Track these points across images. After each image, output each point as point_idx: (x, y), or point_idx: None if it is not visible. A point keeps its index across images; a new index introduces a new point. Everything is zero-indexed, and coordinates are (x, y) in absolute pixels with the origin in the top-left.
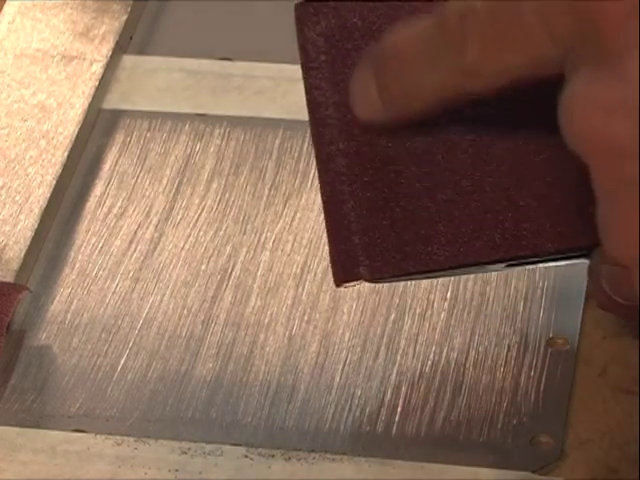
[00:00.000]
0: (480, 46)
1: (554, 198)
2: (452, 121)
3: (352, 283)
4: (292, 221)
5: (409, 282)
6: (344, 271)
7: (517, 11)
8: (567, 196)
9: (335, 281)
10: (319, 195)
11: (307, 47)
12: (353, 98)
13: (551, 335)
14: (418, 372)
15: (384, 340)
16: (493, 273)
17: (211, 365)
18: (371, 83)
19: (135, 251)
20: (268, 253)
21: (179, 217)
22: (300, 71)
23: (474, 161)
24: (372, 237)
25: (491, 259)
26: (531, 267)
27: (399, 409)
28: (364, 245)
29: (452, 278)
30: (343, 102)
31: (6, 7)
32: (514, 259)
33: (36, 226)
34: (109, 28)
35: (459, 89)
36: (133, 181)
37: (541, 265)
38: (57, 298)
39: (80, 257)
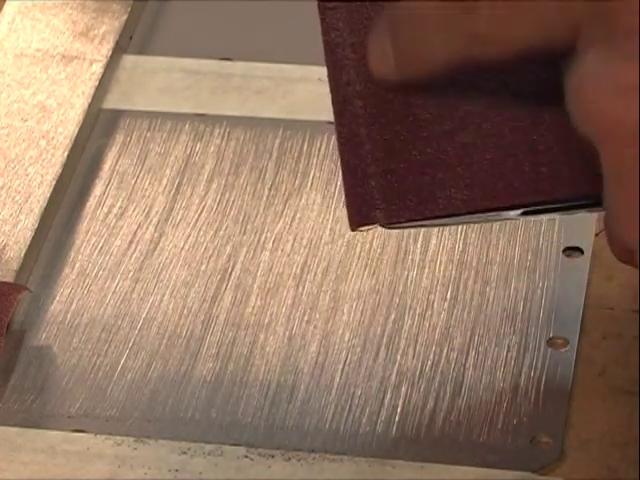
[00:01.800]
0: (491, 12)
1: (573, 143)
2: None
3: (367, 227)
4: (292, 221)
5: (409, 282)
6: (359, 215)
7: None
8: (586, 142)
9: (350, 225)
10: (319, 195)
11: None
12: (369, 53)
13: (551, 335)
14: (418, 372)
15: (384, 340)
16: (493, 273)
17: (211, 365)
18: (386, 41)
19: (135, 251)
20: (268, 253)
21: (179, 217)
22: (300, 70)
23: (494, 104)
24: (389, 180)
25: (509, 204)
26: (547, 217)
27: (399, 409)
28: (381, 188)
29: (452, 278)
30: (361, 43)
31: (6, 7)
32: (532, 205)
33: (36, 226)
34: (109, 28)
35: (469, 54)
36: (133, 181)
37: (557, 215)
38: (57, 298)
39: (80, 257)
